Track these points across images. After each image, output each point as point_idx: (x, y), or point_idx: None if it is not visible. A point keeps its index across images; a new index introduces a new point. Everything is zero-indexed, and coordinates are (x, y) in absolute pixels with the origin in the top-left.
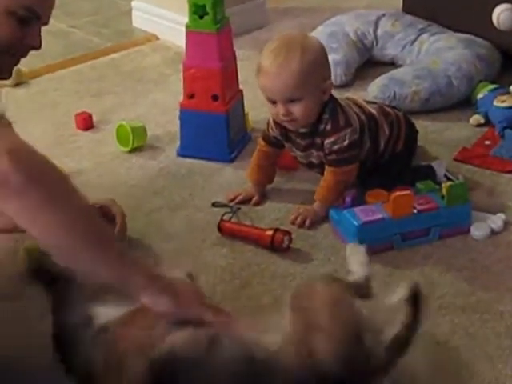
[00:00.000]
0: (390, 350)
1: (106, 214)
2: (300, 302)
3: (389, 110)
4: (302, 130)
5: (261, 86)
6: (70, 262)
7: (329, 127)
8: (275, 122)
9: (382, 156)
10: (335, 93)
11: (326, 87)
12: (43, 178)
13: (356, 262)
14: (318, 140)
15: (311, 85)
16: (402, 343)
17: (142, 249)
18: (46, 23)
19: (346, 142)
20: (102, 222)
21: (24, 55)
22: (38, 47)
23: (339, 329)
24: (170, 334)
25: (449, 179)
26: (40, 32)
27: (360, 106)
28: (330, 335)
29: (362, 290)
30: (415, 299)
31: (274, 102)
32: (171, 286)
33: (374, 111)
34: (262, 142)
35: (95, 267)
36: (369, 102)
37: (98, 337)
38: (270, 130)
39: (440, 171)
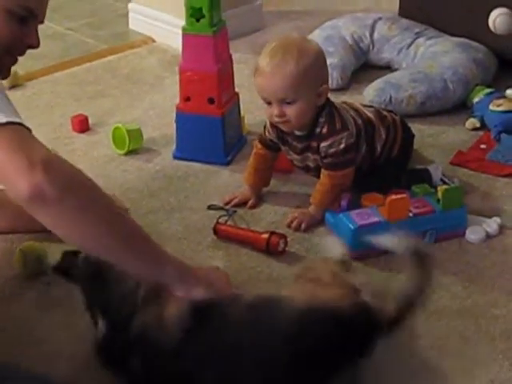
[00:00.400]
0: (396, 308)
1: None
2: (303, 273)
3: (385, 113)
4: (299, 133)
5: (256, 85)
6: (108, 260)
7: (325, 130)
8: (272, 125)
9: (378, 160)
10: (331, 96)
11: (322, 91)
12: (76, 188)
13: (332, 245)
14: (315, 143)
15: (306, 88)
16: (409, 303)
17: None
18: (42, 21)
19: (342, 146)
20: (132, 221)
21: (22, 54)
22: (36, 46)
23: (338, 282)
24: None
25: (445, 183)
26: (37, 30)
27: (357, 110)
28: (330, 286)
29: (344, 264)
30: (421, 259)
31: (269, 103)
32: (204, 275)
33: (370, 115)
34: (259, 145)
35: (131, 263)
36: (365, 106)
37: (147, 296)
38: (267, 132)
39: (436, 175)
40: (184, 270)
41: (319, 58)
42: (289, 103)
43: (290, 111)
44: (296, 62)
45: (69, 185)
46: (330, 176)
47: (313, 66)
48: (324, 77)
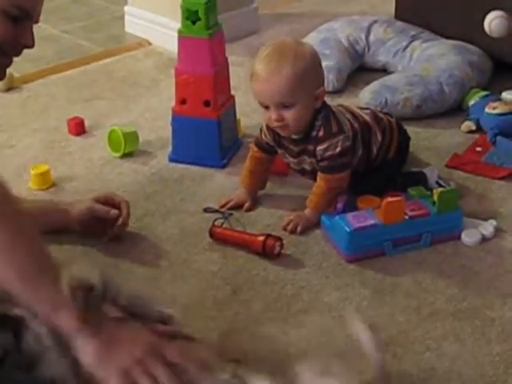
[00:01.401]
0: None
1: (110, 204)
2: None
3: (381, 116)
4: (295, 137)
5: (253, 90)
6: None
7: (321, 134)
8: (268, 128)
9: (374, 162)
10: (327, 99)
11: (319, 94)
12: None
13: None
14: (311, 146)
15: (303, 91)
16: None
17: (136, 253)
18: (37, 22)
19: (338, 149)
20: (41, 247)
21: (17, 54)
22: (31, 46)
23: None
24: None
25: (440, 185)
26: (32, 31)
27: (353, 113)
28: None
29: None
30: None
31: (266, 107)
32: (111, 330)
33: (367, 117)
34: (255, 148)
35: (25, 297)
36: (362, 108)
37: None
38: (263, 135)
39: (432, 177)
40: (85, 320)
41: (314, 60)
42: (287, 107)
43: (288, 115)
44: (292, 65)
45: None
46: (326, 179)
47: (309, 69)
48: (320, 79)
